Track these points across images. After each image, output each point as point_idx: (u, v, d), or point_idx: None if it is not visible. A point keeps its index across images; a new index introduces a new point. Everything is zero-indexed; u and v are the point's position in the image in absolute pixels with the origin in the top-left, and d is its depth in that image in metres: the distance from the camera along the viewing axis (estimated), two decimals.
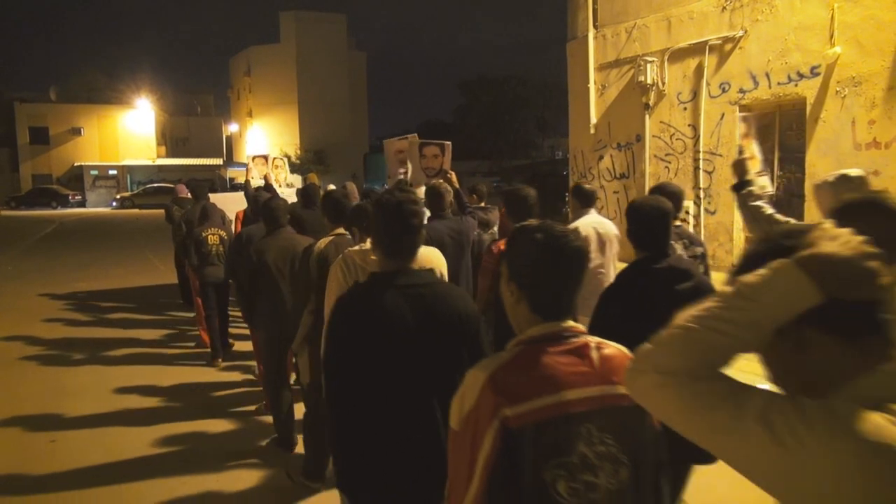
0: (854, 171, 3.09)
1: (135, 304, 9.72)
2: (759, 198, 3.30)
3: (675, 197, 3.54)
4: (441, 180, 5.15)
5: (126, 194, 39.29)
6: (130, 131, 46.78)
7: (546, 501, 1.38)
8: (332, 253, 3.60)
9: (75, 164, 43.83)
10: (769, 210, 3.24)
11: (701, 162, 10.62)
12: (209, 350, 6.83)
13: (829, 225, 0.99)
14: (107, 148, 45.93)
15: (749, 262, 1.04)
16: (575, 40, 12.87)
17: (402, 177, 6.20)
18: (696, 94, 10.60)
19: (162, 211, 10.18)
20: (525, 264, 1.56)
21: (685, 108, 10.81)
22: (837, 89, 8.71)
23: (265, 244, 4.63)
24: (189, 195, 8.67)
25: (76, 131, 45.62)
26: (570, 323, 1.54)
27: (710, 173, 10.51)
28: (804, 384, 1.00)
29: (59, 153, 45.13)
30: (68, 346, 7.40)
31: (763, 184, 3.15)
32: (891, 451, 0.85)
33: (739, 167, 3.48)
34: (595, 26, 12.38)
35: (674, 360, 0.99)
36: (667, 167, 11.13)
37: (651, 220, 2.68)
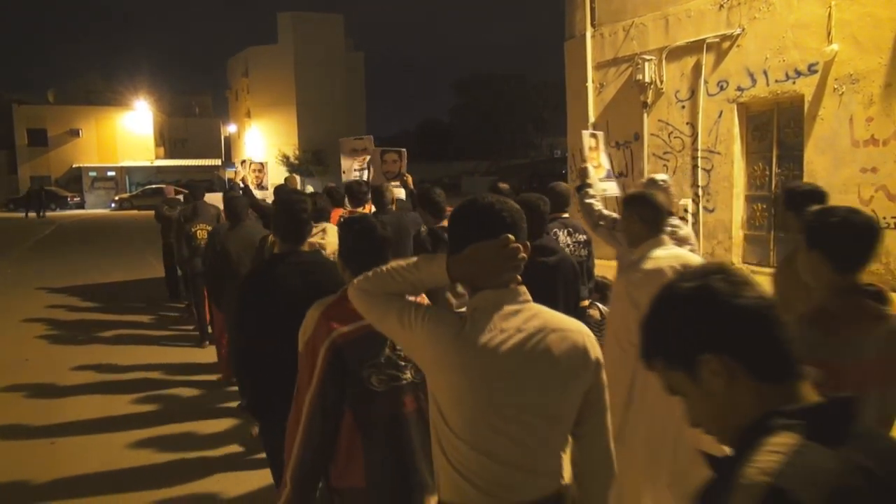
0: (660, 176, 4.38)
1: (134, 297, 10.40)
2: (592, 197, 4.38)
3: (561, 196, 4.52)
4: (395, 182, 6.31)
5: (125, 196, 39.22)
6: (129, 133, 46.71)
7: (364, 390, 2.09)
8: None
9: (74, 166, 43.75)
10: (598, 206, 4.28)
11: (699, 160, 10.63)
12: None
13: (504, 239, 1.59)
14: (105, 149, 45.86)
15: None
16: (573, 39, 12.89)
17: (356, 175, 7.16)
18: (694, 93, 10.62)
19: None
20: (347, 247, 2.31)
21: (683, 107, 10.83)
22: (835, 87, 8.72)
23: (228, 236, 5.32)
24: (176, 195, 9.98)
25: (74, 133, 45.54)
26: None
27: (708, 171, 10.53)
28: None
29: (58, 155, 45.04)
30: (75, 337, 7.61)
31: (604, 187, 4.71)
32: (445, 333, 1.59)
33: (582, 173, 4.59)
34: (593, 25, 12.40)
35: (367, 285, 1.70)
36: (665, 165, 11.14)
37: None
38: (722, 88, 10.19)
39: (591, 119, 12.41)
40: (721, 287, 1.08)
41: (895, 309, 1.95)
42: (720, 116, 10.24)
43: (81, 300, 10.27)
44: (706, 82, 10.38)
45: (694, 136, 10.65)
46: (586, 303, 4.21)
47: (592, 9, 12.37)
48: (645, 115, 11.32)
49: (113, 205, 38.15)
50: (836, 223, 1.94)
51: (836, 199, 9.29)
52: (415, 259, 1.67)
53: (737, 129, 10.11)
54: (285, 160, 48.26)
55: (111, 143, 46.23)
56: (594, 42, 12.37)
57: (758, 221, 10.09)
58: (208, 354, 6.74)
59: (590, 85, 12.38)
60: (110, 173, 42.91)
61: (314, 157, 48.44)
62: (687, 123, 10.78)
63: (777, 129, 9.82)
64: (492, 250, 1.58)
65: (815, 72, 8.92)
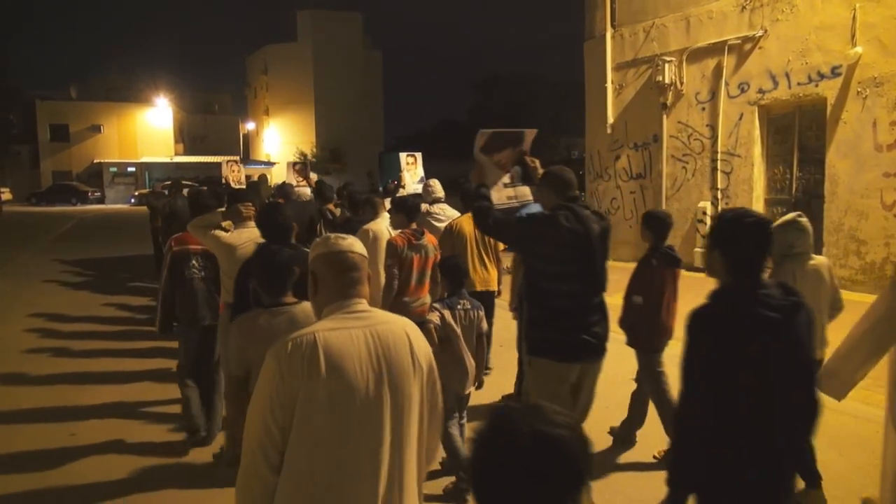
0: (433, 181, 6.21)
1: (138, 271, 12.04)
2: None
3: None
4: (303, 182, 9.48)
5: (144, 191, 39.62)
6: (149, 129, 47.22)
7: (186, 279, 4.49)
8: None
9: (95, 161, 44.27)
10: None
11: (719, 163, 10.56)
12: None
13: (237, 207, 4.29)
14: (126, 145, 46.39)
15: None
16: (592, 39, 12.84)
17: (296, 183, 9.63)
18: (714, 95, 10.54)
19: None
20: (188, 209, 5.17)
21: (703, 109, 10.76)
22: (858, 90, 8.62)
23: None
24: (164, 192, 11.71)
25: (96, 129, 46.11)
26: None
27: (727, 174, 10.45)
28: None
29: (79, 150, 45.64)
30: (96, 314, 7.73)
31: (415, 187, 6.43)
32: (217, 238, 4.14)
33: (399, 179, 6.46)
34: (613, 25, 12.35)
35: (195, 223, 4.22)
36: (684, 167, 11.08)
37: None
38: (743, 91, 10.11)
39: (610, 120, 12.36)
40: None
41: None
42: (741, 119, 10.16)
43: (88, 271, 12.32)
44: (727, 84, 10.30)
45: (714, 138, 10.58)
46: None
47: (612, 9, 12.32)
48: (664, 116, 11.25)
49: (132, 200, 38.55)
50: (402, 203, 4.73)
51: (858, 203, 9.14)
52: (212, 213, 4.20)
53: (757, 132, 10.03)
54: (302, 158, 48.42)
55: (132, 139, 46.76)
56: (614, 43, 12.32)
57: None
58: None
59: (609, 86, 12.34)
60: (130, 169, 43.35)
61: (332, 154, 48.63)
62: (707, 125, 10.70)
63: (798, 132, 9.72)
64: (234, 209, 4.16)
65: (839, 74, 8.83)
